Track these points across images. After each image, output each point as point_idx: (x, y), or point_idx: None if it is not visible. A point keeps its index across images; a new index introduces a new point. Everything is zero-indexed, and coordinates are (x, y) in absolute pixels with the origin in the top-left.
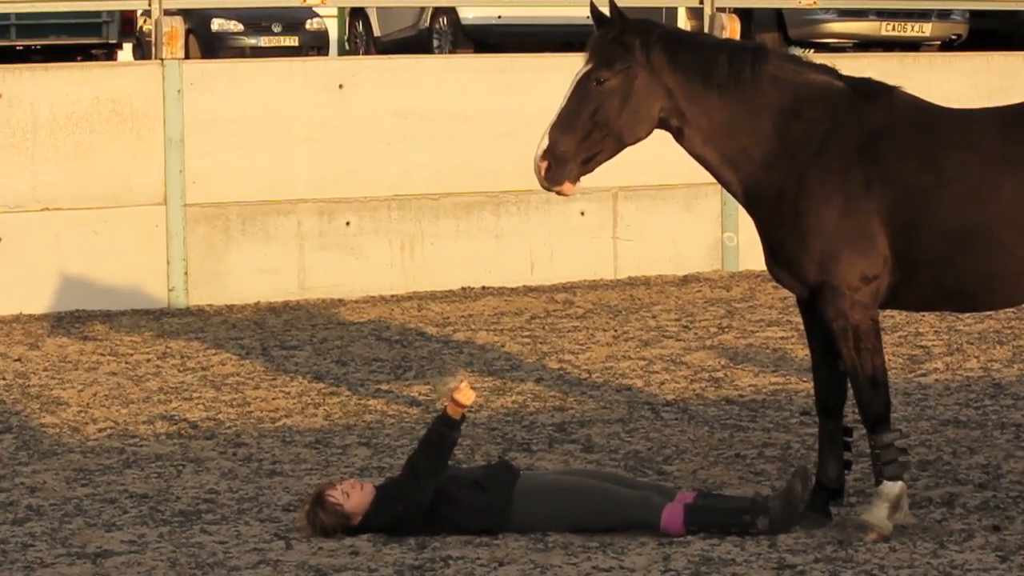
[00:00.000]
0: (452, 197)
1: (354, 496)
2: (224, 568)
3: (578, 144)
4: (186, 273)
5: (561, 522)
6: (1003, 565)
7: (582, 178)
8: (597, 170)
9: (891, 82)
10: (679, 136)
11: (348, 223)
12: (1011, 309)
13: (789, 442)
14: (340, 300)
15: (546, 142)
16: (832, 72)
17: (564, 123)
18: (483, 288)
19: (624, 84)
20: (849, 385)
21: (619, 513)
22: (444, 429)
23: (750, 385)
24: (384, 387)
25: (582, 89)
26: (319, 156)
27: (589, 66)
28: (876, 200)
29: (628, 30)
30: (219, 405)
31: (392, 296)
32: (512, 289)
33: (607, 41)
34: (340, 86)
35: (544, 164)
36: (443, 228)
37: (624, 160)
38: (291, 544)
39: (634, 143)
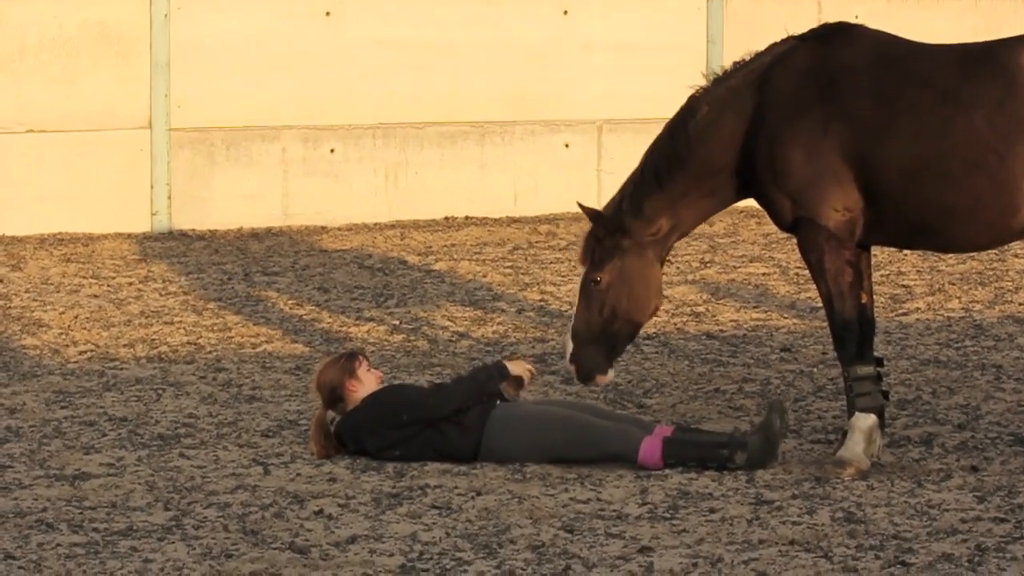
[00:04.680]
0: (437, 126)
1: (367, 380)
2: (202, 492)
3: (597, 341)
4: (169, 197)
5: (538, 452)
6: (980, 506)
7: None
8: (583, 102)
9: (879, 22)
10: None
11: (332, 150)
12: (993, 251)
13: (769, 378)
14: (323, 227)
15: (570, 346)
16: (787, 40)
17: (580, 326)
18: (466, 218)
19: (619, 277)
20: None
21: (597, 444)
22: (495, 376)
23: (731, 320)
24: (366, 314)
25: (586, 292)
26: (305, 83)
27: (584, 269)
28: (835, 137)
29: (608, 228)
30: (200, 330)
31: (375, 224)
32: (495, 219)
33: (594, 242)
34: (327, 13)
35: (573, 367)
36: (427, 157)
37: (609, 93)
38: (269, 470)
39: (651, 318)
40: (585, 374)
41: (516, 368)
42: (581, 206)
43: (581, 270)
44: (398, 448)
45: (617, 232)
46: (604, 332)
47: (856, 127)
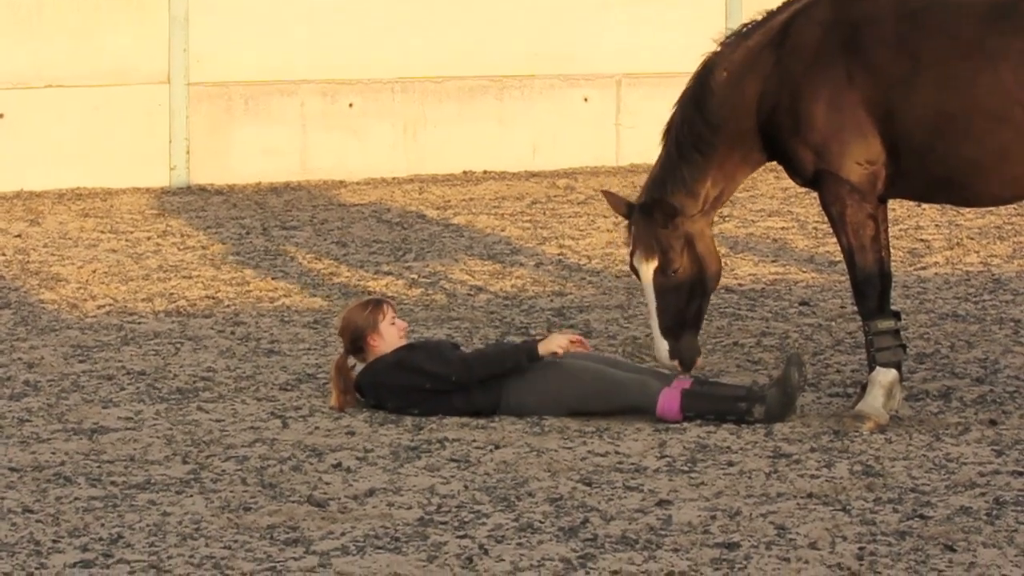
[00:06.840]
0: (455, 81)
1: (389, 335)
2: (220, 446)
3: (686, 326)
4: (188, 152)
5: (557, 404)
6: (998, 459)
7: None
8: (601, 56)
9: None
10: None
11: (351, 105)
12: (1012, 205)
13: (787, 332)
14: (341, 181)
15: (665, 344)
16: None
17: (669, 320)
18: (485, 172)
19: (691, 256)
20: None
21: (615, 396)
22: (523, 358)
23: (749, 274)
24: (384, 268)
25: (662, 284)
26: (323, 37)
27: (654, 262)
28: (859, 90)
29: (667, 212)
30: (218, 284)
31: (393, 178)
32: (514, 174)
33: (656, 230)
34: None
35: (677, 363)
36: (446, 111)
37: (628, 47)
38: (287, 423)
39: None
40: (689, 363)
41: (548, 348)
42: (609, 198)
43: (647, 267)
44: (418, 407)
45: (675, 215)
46: (689, 315)
47: (880, 79)
